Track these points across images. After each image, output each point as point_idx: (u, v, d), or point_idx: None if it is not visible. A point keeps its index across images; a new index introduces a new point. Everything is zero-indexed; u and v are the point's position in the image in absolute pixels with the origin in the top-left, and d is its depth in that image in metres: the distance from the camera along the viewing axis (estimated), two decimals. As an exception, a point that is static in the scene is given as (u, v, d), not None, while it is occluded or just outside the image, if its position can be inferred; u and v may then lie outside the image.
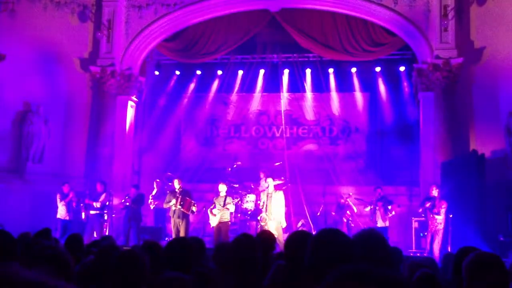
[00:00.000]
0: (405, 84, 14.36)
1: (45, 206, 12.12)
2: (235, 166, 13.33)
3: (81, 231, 10.63)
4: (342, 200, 12.54)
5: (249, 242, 3.68)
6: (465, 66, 12.26)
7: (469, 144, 11.94)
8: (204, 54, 14.27)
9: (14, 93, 13.34)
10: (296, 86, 15.24)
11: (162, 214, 12.80)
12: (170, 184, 12.22)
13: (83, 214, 11.91)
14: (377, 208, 11.70)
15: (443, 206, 10.65)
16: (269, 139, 15.81)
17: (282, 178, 12.50)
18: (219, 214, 10.97)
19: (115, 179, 13.05)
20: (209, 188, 13.40)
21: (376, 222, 11.67)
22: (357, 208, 12.62)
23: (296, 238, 3.19)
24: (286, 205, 11.22)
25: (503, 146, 11.70)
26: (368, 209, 12.08)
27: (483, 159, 10.94)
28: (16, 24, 13.73)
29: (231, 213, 11.47)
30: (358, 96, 15.31)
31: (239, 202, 12.69)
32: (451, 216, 10.79)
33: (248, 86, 15.42)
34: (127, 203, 11.74)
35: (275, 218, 10.77)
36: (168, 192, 11.51)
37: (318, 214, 13.28)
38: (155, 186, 12.26)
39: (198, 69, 15.64)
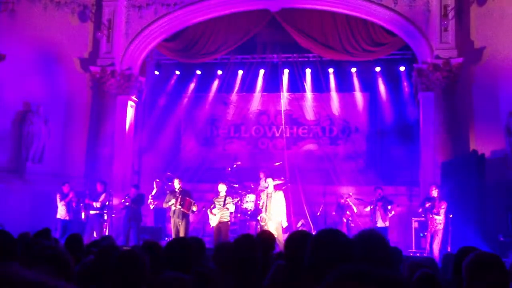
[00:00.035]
0: (405, 84, 14.36)
1: (45, 206, 12.12)
2: (235, 166, 13.33)
3: (81, 231, 10.63)
4: (342, 200, 12.54)
5: (249, 242, 3.68)
6: (465, 66, 12.26)
7: (469, 144, 11.94)
8: (204, 54, 14.27)
9: (14, 93, 13.33)
10: (296, 86, 15.25)
11: (162, 214, 12.81)
12: (170, 184, 12.22)
13: (83, 214, 11.91)
14: (377, 208, 11.70)
15: (442, 207, 10.65)
16: (269, 139, 15.81)
17: (282, 178, 12.50)
18: (219, 214, 10.97)
19: (115, 179, 13.05)
20: (209, 188, 13.40)
21: (376, 222, 11.68)
22: (357, 208, 12.62)
23: (296, 238, 3.19)
24: (286, 205, 11.21)
25: (503, 146, 11.69)
26: (368, 209, 12.08)
27: (483, 159, 10.94)
28: (16, 24, 13.73)
29: (231, 213, 11.46)
30: (358, 96, 15.32)
31: (239, 202, 12.70)
32: (451, 216, 10.79)
33: (248, 86, 15.43)
34: (127, 203, 11.74)
35: (274, 218, 10.77)
36: (168, 192, 11.50)
37: (318, 214, 13.28)
38: (155, 186, 12.26)
39: (198, 69, 15.65)
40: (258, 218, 11.09)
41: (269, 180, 11.21)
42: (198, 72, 15.66)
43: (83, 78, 13.80)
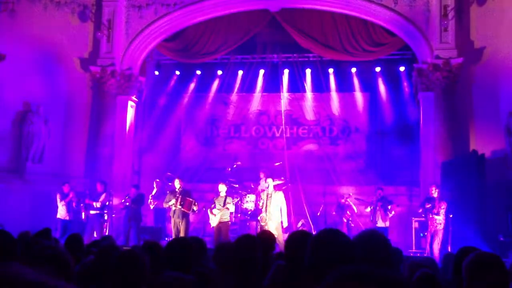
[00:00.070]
0: (405, 84, 14.36)
1: (45, 206, 12.12)
2: (235, 166, 13.34)
3: (81, 231, 10.63)
4: (343, 200, 12.55)
5: (249, 243, 3.67)
6: (465, 66, 12.26)
7: (469, 144, 11.94)
8: (204, 54, 14.27)
9: (14, 93, 13.33)
10: (296, 86, 15.25)
11: (162, 214, 12.80)
12: (170, 184, 12.22)
13: (83, 214, 11.91)
14: (377, 208, 11.71)
15: (442, 207, 10.65)
16: (269, 139, 15.81)
17: (282, 178, 12.51)
18: (219, 214, 10.97)
19: (115, 179, 13.05)
20: (209, 188, 13.40)
21: (376, 222, 11.68)
22: (357, 208, 12.63)
23: (296, 238, 3.19)
24: (287, 205, 11.21)
25: (503, 146, 11.69)
26: (368, 209, 12.09)
27: (483, 159, 10.94)
28: (16, 24, 13.73)
29: (231, 213, 11.46)
30: (358, 96, 15.32)
31: (239, 202, 12.71)
32: (451, 216, 10.79)
33: (248, 86, 15.43)
34: (127, 203, 11.74)
35: (274, 218, 10.77)
36: (168, 192, 11.51)
37: (318, 214, 13.29)
38: (155, 186, 12.25)
39: (198, 69, 15.65)
40: (258, 218, 11.09)
41: (269, 180, 11.21)
42: (198, 72, 15.66)
43: (83, 78, 13.80)
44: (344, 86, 15.19)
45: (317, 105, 15.63)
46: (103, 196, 11.80)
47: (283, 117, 15.45)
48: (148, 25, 13.72)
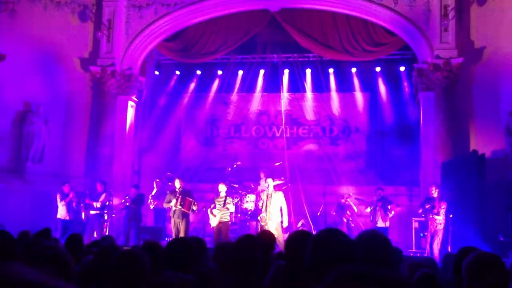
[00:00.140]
0: (405, 84, 14.36)
1: (45, 206, 12.12)
2: (235, 166, 13.34)
3: (81, 231, 10.63)
4: (343, 200, 12.55)
5: (250, 243, 3.67)
6: (465, 66, 12.26)
7: (469, 144, 11.94)
8: (204, 54, 14.27)
9: (14, 93, 13.33)
10: (296, 86, 15.24)
11: (162, 214, 12.80)
12: (170, 184, 12.22)
13: (83, 214, 11.91)
14: (377, 208, 11.72)
15: (442, 207, 10.65)
16: (269, 139, 15.81)
17: (282, 178, 12.51)
18: (219, 214, 10.97)
19: (115, 179, 13.05)
20: (209, 188, 13.40)
21: (376, 223, 11.69)
22: (358, 208, 12.63)
23: (296, 238, 3.19)
24: (287, 205, 11.20)
25: (503, 146, 11.69)
26: (368, 210, 12.09)
27: (483, 159, 10.94)
28: (16, 24, 13.73)
29: (231, 213, 11.46)
30: (358, 96, 15.32)
31: (239, 202, 12.70)
32: (451, 216, 10.79)
33: (248, 86, 15.43)
34: (127, 203, 11.74)
35: (274, 218, 10.77)
36: (168, 192, 11.51)
37: (318, 214, 13.29)
38: (155, 186, 12.26)
39: (198, 69, 15.65)
40: (258, 218, 11.09)
41: (269, 180, 11.21)
42: (198, 72, 15.67)
43: (83, 78, 13.80)
44: (344, 86, 15.19)
45: (317, 105, 15.63)
46: (103, 196, 11.80)
47: (283, 117, 15.45)
48: (148, 25, 13.73)
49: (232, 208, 11.43)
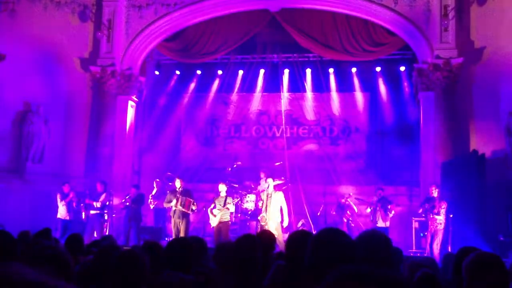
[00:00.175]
0: (406, 84, 14.36)
1: (45, 206, 12.11)
2: (235, 166, 13.34)
3: (81, 231, 10.62)
4: (343, 200, 12.55)
5: (249, 243, 3.67)
6: (465, 66, 12.26)
7: (469, 144, 11.94)
8: (204, 54, 14.27)
9: (14, 93, 13.33)
10: (296, 86, 15.25)
11: (162, 214, 12.80)
12: (170, 184, 12.22)
13: (83, 214, 11.91)
14: (378, 208, 11.73)
15: (443, 206, 10.65)
16: (270, 139, 15.81)
17: (282, 178, 12.51)
18: (219, 214, 10.96)
19: (115, 179, 13.05)
20: (209, 188, 13.40)
21: (376, 222, 11.69)
22: (358, 208, 12.63)
23: (296, 238, 3.19)
24: (287, 205, 11.20)
25: (503, 146, 11.69)
26: (369, 210, 12.10)
27: (483, 159, 10.93)
28: (16, 24, 13.73)
29: (231, 213, 11.46)
30: (358, 96, 15.32)
31: (239, 202, 12.70)
32: (451, 216, 10.79)
33: (248, 86, 15.43)
34: (127, 203, 11.74)
35: (274, 218, 10.76)
36: (168, 192, 11.51)
37: (318, 214, 13.29)
38: (155, 186, 12.26)
39: (198, 69, 15.65)
40: (258, 218, 11.09)
41: (270, 180, 11.21)
42: (198, 72, 15.67)
43: (83, 78, 13.80)
44: (344, 86, 15.19)
45: (317, 105, 15.63)
46: (103, 196, 11.80)
47: (283, 117, 15.45)
48: (148, 25, 13.72)
49: (232, 208, 11.43)
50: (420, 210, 11.25)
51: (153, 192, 12.14)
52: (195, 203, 11.09)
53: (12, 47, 13.11)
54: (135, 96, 13.98)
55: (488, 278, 2.65)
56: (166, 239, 11.62)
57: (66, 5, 13.86)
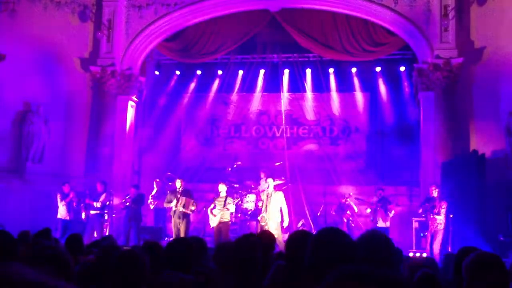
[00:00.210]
0: (406, 84, 14.36)
1: (45, 206, 12.11)
2: (235, 166, 13.34)
3: (82, 231, 10.62)
4: (343, 200, 12.55)
5: (249, 243, 3.67)
6: (465, 66, 12.26)
7: (469, 144, 11.94)
8: (204, 54, 14.27)
9: (14, 93, 13.33)
10: (296, 86, 15.24)
11: (162, 214, 12.80)
12: (170, 184, 12.21)
13: (83, 214, 11.91)
14: (378, 208, 11.73)
15: (443, 206, 10.65)
16: (270, 139, 15.81)
17: (282, 178, 12.51)
18: (220, 214, 10.96)
19: (115, 179, 13.05)
20: (209, 188, 13.40)
21: (376, 222, 11.69)
22: (358, 208, 12.63)
23: (296, 238, 3.19)
24: (287, 205, 11.20)
25: (503, 146, 11.69)
26: (369, 210, 12.10)
27: (484, 159, 10.93)
28: (16, 24, 13.73)
29: (231, 213, 11.47)
30: (358, 96, 15.31)
31: (239, 202, 12.70)
32: (451, 216, 10.78)
33: (248, 86, 15.43)
34: (127, 203, 11.74)
35: (274, 218, 10.76)
36: (168, 192, 11.51)
37: (318, 214, 13.29)
38: (155, 186, 12.26)
39: (198, 69, 15.65)
40: (258, 218, 11.09)
41: (270, 180, 11.21)
42: (198, 72, 15.66)
43: (83, 78, 13.80)
44: (344, 86, 15.18)
45: (317, 105, 15.63)
46: (103, 196, 11.80)
47: (283, 117, 15.44)
48: (148, 25, 13.72)
49: (232, 208, 11.43)
50: (420, 210, 11.25)
51: (153, 192, 12.14)
52: (194, 203, 11.09)
53: (12, 47, 13.11)
54: (135, 96, 13.98)
55: (488, 278, 2.65)
56: (166, 239, 11.62)
57: (66, 5, 13.86)
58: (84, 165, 13.39)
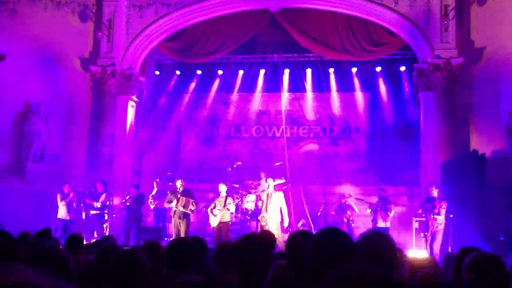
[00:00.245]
0: (406, 84, 14.36)
1: (45, 206, 12.11)
2: (235, 166, 13.34)
3: (81, 231, 10.62)
4: (343, 200, 12.55)
5: (250, 243, 3.67)
6: (465, 66, 12.26)
7: (470, 144, 11.94)
8: (204, 54, 14.27)
9: (14, 93, 13.33)
10: (297, 86, 15.25)
11: (162, 214, 12.80)
12: (170, 184, 12.21)
13: (83, 214, 11.91)
14: (378, 209, 11.73)
15: (443, 206, 10.65)
16: (270, 139, 15.81)
17: (283, 178, 12.51)
18: (220, 214, 10.96)
19: (115, 179, 13.05)
20: (209, 188, 13.41)
21: (377, 223, 11.69)
22: (358, 208, 12.62)
23: (296, 238, 3.19)
24: (287, 205, 11.20)
25: (504, 146, 11.69)
26: (369, 210, 12.10)
27: (484, 159, 10.92)
28: (16, 24, 13.73)
29: (231, 213, 11.46)
30: (359, 96, 15.32)
31: (240, 202, 12.70)
32: (451, 216, 10.78)
33: (248, 86, 15.43)
34: (128, 203, 11.74)
35: (274, 218, 10.76)
36: (168, 191, 11.51)
37: (319, 214, 13.28)
38: (155, 186, 12.26)
39: (198, 69, 15.65)
40: (259, 218, 11.09)
41: (270, 180, 11.21)
42: (199, 72, 15.67)
43: (84, 78, 13.80)
44: (345, 86, 15.19)
45: (318, 105, 15.63)
46: (103, 196, 11.80)
47: (283, 117, 15.45)
48: (149, 25, 13.73)
49: (232, 208, 11.43)
50: (420, 210, 11.24)
51: (153, 192, 12.14)
52: (193, 203, 11.08)
53: (12, 47, 13.11)
54: (135, 96, 13.98)
55: (488, 278, 2.65)
56: (166, 239, 11.62)
57: (66, 5, 13.86)
58: (84, 165, 13.39)
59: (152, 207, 12.30)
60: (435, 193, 10.85)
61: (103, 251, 4.01)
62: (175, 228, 11.07)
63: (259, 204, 11.15)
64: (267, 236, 4.95)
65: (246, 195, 12.99)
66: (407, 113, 14.20)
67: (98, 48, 13.71)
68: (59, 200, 11.84)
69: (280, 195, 10.95)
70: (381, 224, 11.57)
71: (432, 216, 10.71)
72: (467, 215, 10.39)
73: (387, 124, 14.63)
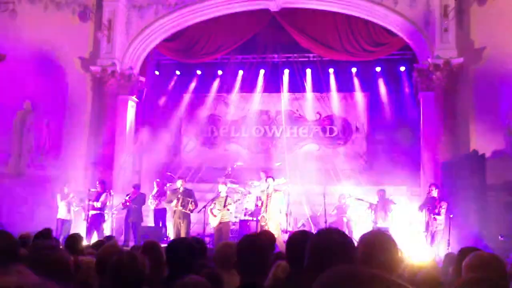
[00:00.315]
0: (406, 84, 14.37)
1: (45, 206, 12.11)
2: (235, 166, 13.33)
3: (81, 231, 10.61)
4: (343, 200, 12.54)
5: (249, 243, 3.67)
6: (465, 66, 12.26)
7: (470, 144, 11.94)
8: (204, 54, 14.28)
9: (14, 93, 13.33)
10: (297, 86, 15.24)
11: (162, 214, 12.78)
12: (170, 184, 12.21)
13: (83, 214, 11.91)
14: (378, 209, 11.72)
15: (443, 206, 10.64)
16: (270, 139, 15.81)
17: (283, 178, 12.50)
18: (220, 214, 10.96)
19: (115, 179, 13.05)
20: (209, 188, 13.41)
21: (376, 223, 11.68)
22: (358, 208, 12.61)
23: (296, 238, 3.19)
24: (287, 205, 11.20)
25: (504, 146, 11.69)
26: (369, 210, 12.09)
27: (484, 159, 10.92)
28: (17, 24, 13.73)
29: (231, 213, 11.46)
30: (359, 96, 15.32)
31: (240, 202, 12.70)
32: (451, 216, 10.77)
33: (248, 86, 15.43)
34: (128, 203, 11.74)
35: (274, 218, 10.76)
36: (169, 192, 11.50)
37: (318, 214, 13.27)
38: (155, 186, 12.25)
39: (198, 69, 15.65)
40: (259, 218, 11.08)
41: (270, 180, 11.20)
42: (199, 72, 15.67)
43: (84, 78, 13.80)
44: (345, 86, 15.19)
45: (318, 105, 15.63)
46: (103, 196, 11.80)
47: (283, 117, 15.44)
48: (149, 25, 13.73)
49: (232, 209, 11.43)
50: (420, 210, 11.23)
51: (153, 192, 12.14)
52: (193, 203, 11.07)
53: (12, 47, 13.12)
54: (135, 96, 13.98)
55: (488, 278, 2.65)
56: (166, 239, 11.62)
57: (66, 5, 13.86)
58: (84, 165, 13.39)
59: (152, 207, 12.29)
60: (435, 193, 10.84)
61: (103, 251, 4.01)
62: (175, 228, 11.08)
63: (259, 204, 11.15)
64: (267, 236, 4.95)
65: (246, 195, 12.99)
66: (407, 113, 14.20)
67: (98, 48, 13.71)
68: (59, 200, 11.84)
69: (280, 195, 10.95)
70: (381, 224, 11.56)
71: (432, 216, 10.70)
72: (467, 215, 10.39)
73: (387, 124, 14.63)
